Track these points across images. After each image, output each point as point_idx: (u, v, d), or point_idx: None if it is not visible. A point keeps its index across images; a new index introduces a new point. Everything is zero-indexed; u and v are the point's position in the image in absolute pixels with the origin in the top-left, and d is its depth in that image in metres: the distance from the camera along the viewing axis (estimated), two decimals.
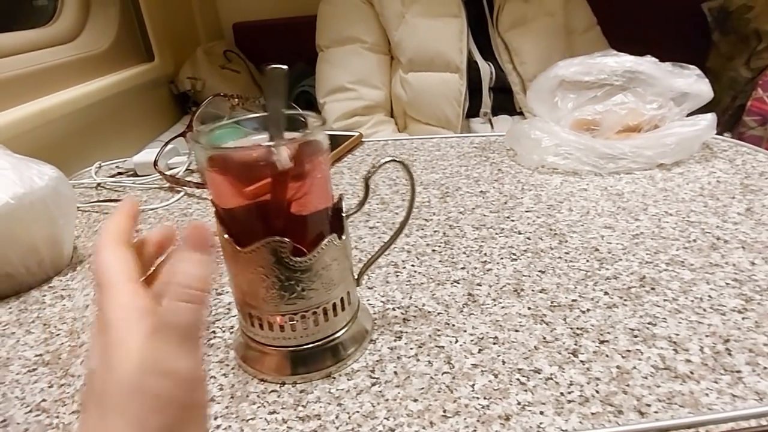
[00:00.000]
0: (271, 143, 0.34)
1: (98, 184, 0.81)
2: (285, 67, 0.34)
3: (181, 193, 0.74)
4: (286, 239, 0.33)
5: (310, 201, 0.35)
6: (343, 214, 0.38)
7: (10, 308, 0.50)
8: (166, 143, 0.80)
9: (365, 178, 0.39)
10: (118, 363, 0.24)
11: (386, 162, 0.39)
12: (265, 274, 0.34)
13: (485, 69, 1.14)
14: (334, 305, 0.37)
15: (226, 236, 0.34)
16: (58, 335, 0.45)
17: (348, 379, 0.37)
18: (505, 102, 1.17)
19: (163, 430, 0.24)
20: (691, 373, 0.35)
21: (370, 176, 0.38)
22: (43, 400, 0.38)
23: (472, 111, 1.16)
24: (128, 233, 0.30)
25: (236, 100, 0.86)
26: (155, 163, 0.77)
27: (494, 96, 1.16)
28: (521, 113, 1.17)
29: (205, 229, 0.27)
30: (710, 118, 0.67)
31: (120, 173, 0.85)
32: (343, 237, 0.37)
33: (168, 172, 0.78)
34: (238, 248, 0.33)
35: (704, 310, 0.41)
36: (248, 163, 0.34)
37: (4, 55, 0.88)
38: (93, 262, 0.29)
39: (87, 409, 0.25)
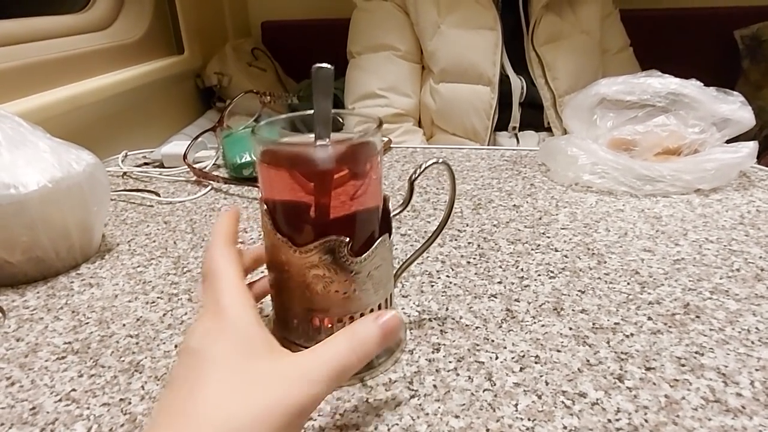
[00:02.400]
0: (318, 143, 0.34)
1: (124, 173, 0.81)
2: (331, 66, 0.34)
3: (209, 188, 0.74)
4: (346, 238, 0.32)
5: (362, 200, 0.34)
6: (390, 215, 0.38)
7: (38, 293, 0.50)
8: (197, 137, 0.80)
9: (410, 180, 0.38)
10: (255, 351, 0.28)
11: (432, 164, 0.38)
12: (320, 273, 0.33)
13: (516, 83, 1.13)
14: (379, 306, 0.37)
15: (278, 235, 0.33)
16: (87, 324, 0.45)
17: (386, 390, 0.36)
18: (533, 117, 1.17)
19: (279, 428, 0.26)
20: (743, 407, 0.34)
21: (415, 178, 0.38)
22: (73, 390, 0.37)
23: (500, 125, 1.16)
24: (235, 234, 0.35)
25: (267, 97, 0.86)
26: (185, 155, 0.77)
27: (522, 111, 1.16)
28: (548, 129, 1.17)
29: (399, 325, 0.32)
30: (752, 146, 0.66)
31: (146, 163, 0.85)
32: (392, 237, 0.37)
33: (195, 166, 0.78)
34: (294, 247, 0.32)
35: (752, 342, 0.40)
36: (298, 159, 0.34)
37: (40, 38, 0.88)
38: (205, 256, 0.33)
39: (186, 382, 0.27)
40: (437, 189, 0.71)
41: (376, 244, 0.34)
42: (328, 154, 0.33)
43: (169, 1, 1.24)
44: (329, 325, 0.35)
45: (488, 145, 1.14)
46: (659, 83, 0.65)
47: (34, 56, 0.85)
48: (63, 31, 0.96)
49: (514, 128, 1.17)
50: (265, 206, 0.34)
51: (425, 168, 0.37)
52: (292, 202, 0.33)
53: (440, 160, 0.38)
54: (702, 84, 0.66)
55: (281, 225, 0.33)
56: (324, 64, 0.34)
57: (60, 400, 0.36)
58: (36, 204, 0.48)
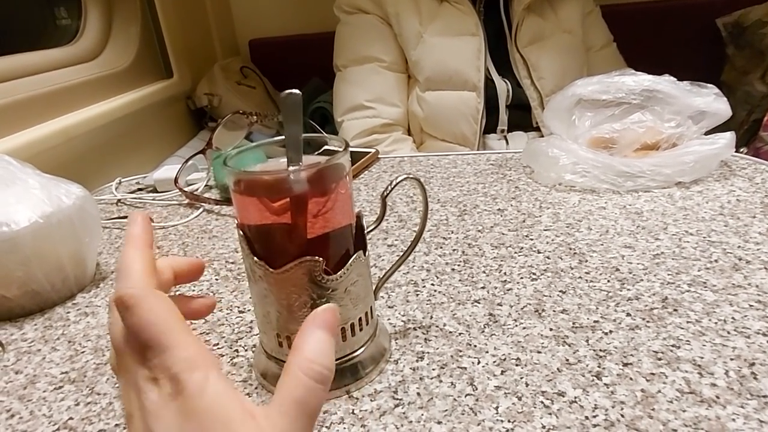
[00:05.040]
0: (290, 168, 0.35)
1: (118, 200, 0.82)
2: (299, 92, 0.35)
3: (200, 210, 0.75)
4: (320, 258, 0.33)
5: (334, 220, 0.35)
6: (365, 231, 0.39)
7: (35, 325, 0.51)
8: (187, 160, 0.81)
9: (382, 196, 0.39)
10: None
11: (402, 180, 0.39)
12: (298, 293, 0.34)
13: (501, 86, 1.14)
14: (360, 320, 0.38)
15: (255, 259, 0.34)
16: (83, 352, 0.46)
17: (371, 400, 0.37)
18: (521, 119, 1.18)
19: None
20: (717, 397, 0.35)
21: (387, 194, 0.39)
22: (70, 418, 0.38)
23: (489, 127, 1.17)
24: (150, 238, 0.31)
25: (254, 117, 0.87)
26: (176, 180, 0.78)
27: (510, 113, 1.17)
28: (537, 129, 1.18)
29: (336, 314, 0.28)
30: (729, 136, 0.67)
31: (140, 189, 0.87)
32: (367, 253, 0.38)
33: (187, 189, 0.79)
34: (271, 270, 0.34)
35: (728, 332, 0.41)
36: (269, 186, 0.35)
37: (28, 74, 0.90)
38: (119, 259, 0.29)
39: None
40: None
41: (350, 261, 0.35)
42: (300, 178, 0.34)
43: (156, 26, 1.26)
44: None
45: (478, 148, 1.15)
46: (633, 81, 0.66)
47: (23, 92, 0.87)
48: (52, 65, 0.98)
49: (503, 131, 1.18)
50: (242, 232, 0.35)
51: (396, 184, 0.39)
52: (266, 227, 0.34)
53: (411, 176, 0.39)
54: (675, 79, 0.67)
55: (257, 249, 0.35)
56: (292, 90, 0.36)
57: (57, 429, 0.37)
58: (29, 240, 0.49)
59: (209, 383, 0.23)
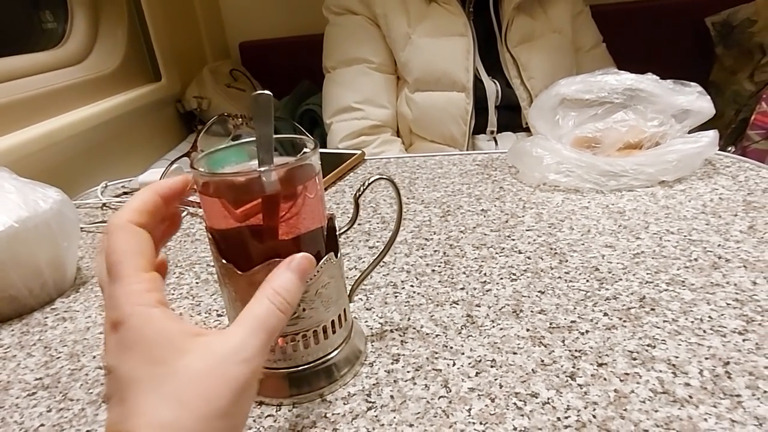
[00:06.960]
0: (260, 168, 0.35)
1: (103, 204, 0.82)
2: (270, 93, 0.35)
3: (184, 213, 0.75)
4: None
5: (303, 221, 0.35)
6: (337, 233, 0.38)
7: (12, 330, 0.51)
8: (171, 163, 0.81)
9: (355, 197, 0.39)
10: (175, 352, 0.25)
11: (375, 180, 0.39)
12: None
13: (491, 87, 1.14)
14: (333, 323, 0.38)
15: (224, 261, 0.34)
16: (58, 358, 0.46)
17: (344, 403, 0.37)
18: (510, 119, 1.18)
19: (225, 414, 0.25)
20: (690, 397, 0.35)
21: (359, 194, 0.39)
22: (42, 425, 0.38)
23: (478, 128, 1.17)
24: (151, 211, 0.30)
25: (240, 119, 0.87)
26: None
27: (499, 113, 1.17)
28: (527, 129, 1.18)
29: (312, 263, 0.32)
30: (712, 135, 0.67)
31: (125, 193, 0.86)
32: (339, 255, 0.38)
33: None
34: (239, 273, 0.33)
35: (704, 331, 0.41)
36: (239, 187, 0.35)
37: (13, 77, 0.90)
38: (104, 242, 0.28)
39: (118, 401, 0.25)
40: (406, 198, 0.72)
41: (321, 263, 0.35)
42: (271, 179, 0.34)
43: (144, 29, 1.26)
44: (282, 345, 0.36)
45: (467, 149, 1.15)
46: (615, 80, 0.66)
47: (8, 96, 0.87)
48: (38, 68, 0.97)
49: (492, 132, 1.18)
50: (210, 235, 0.35)
51: (368, 184, 0.39)
52: (233, 230, 0.34)
53: (384, 176, 0.39)
54: (658, 77, 0.67)
55: (226, 251, 0.34)
56: (263, 91, 0.35)
57: None
58: (4, 245, 0.49)
59: (150, 316, 0.26)
